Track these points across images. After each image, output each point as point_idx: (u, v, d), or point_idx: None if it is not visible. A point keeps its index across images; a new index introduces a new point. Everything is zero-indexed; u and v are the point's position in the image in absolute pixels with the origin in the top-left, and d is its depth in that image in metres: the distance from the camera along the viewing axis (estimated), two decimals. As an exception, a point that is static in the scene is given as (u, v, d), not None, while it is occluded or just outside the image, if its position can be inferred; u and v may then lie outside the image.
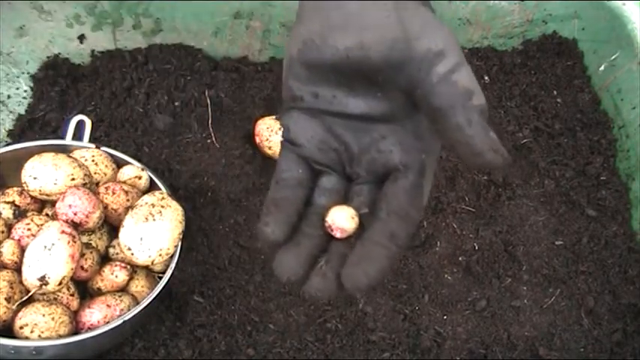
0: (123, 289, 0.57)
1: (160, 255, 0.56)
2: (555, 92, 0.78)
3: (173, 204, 0.57)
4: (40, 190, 0.57)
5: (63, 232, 0.52)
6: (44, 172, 0.57)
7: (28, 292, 0.53)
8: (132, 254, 0.55)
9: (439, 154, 0.44)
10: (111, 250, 0.59)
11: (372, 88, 0.41)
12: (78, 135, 0.65)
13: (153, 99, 0.73)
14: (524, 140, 0.74)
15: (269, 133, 0.69)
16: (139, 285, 0.58)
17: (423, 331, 0.61)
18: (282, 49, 0.79)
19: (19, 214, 0.58)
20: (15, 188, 0.60)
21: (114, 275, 0.56)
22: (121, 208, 0.59)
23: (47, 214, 0.59)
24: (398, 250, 0.38)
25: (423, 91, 0.38)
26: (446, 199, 0.69)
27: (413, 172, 0.41)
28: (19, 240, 0.55)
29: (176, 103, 0.73)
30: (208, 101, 0.74)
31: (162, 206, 0.57)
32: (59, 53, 0.76)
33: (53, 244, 0.52)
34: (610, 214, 0.69)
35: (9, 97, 0.73)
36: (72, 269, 0.53)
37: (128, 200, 0.59)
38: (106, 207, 0.58)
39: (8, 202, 0.58)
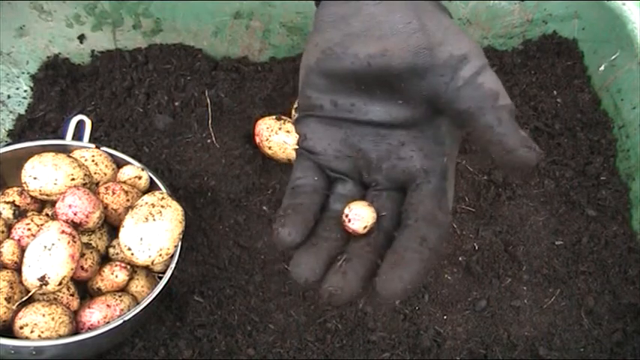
0: (123, 289, 0.57)
1: (160, 255, 0.56)
2: (555, 92, 0.78)
3: (173, 204, 0.57)
4: (40, 190, 0.57)
5: (63, 232, 0.52)
6: (44, 172, 0.57)
7: (28, 292, 0.53)
8: (132, 254, 0.55)
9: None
10: (111, 250, 0.59)
11: (392, 96, 0.41)
12: (78, 135, 0.65)
13: (153, 99, 0.74)
14: (524, 140, 0.74)
15: (269, 133, 0.69)
16: (139, 285, 0.58)
17: (423, 331, 0.61)
18: (282, 49, 0.79)
19: (19, 214, 0.58)
20: (15, 188, 0.60)
21: (114, 275, 0.56)
22: (121, 208, 0.59)
23: (47, 214, 0.59)
24: (431, 254, 0.37)
25: (448, 95, 0.38)
26: (446, 199, 0.69)
27: (435, 176, 0.41)
28: (19, 240, 0.55)
29: (176, 103, 0.73)
30: (208, 101, 0.74)
31: (162, 206, 0.57)
32: (59, 53, 0.76)
33: (53, 244, 0.52)
34: (610, 214, 0.69)
35: (9, 97, 0.73)
36: (72, 269, 0.53)
37: (128, 200, 0.59)
38: (106, 207, 0.58)
39: (8, 202, 0.58)
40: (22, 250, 0.54)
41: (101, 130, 0.71)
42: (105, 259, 0.59)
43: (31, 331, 0.51)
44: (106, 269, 0.56)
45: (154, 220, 0.56)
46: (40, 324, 0.51)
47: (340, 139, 0.43)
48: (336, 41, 0.41)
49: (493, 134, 0.37)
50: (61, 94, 0.73)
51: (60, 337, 0.52)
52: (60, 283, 0.52)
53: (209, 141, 0.71)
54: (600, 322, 0.63)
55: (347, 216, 0.40)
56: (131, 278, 0.57)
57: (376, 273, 0.37)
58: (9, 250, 0.54)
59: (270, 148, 0.69)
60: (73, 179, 0.57)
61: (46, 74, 0.74)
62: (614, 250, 0.67)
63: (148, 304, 0.54)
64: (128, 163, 0.63)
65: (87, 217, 0.55)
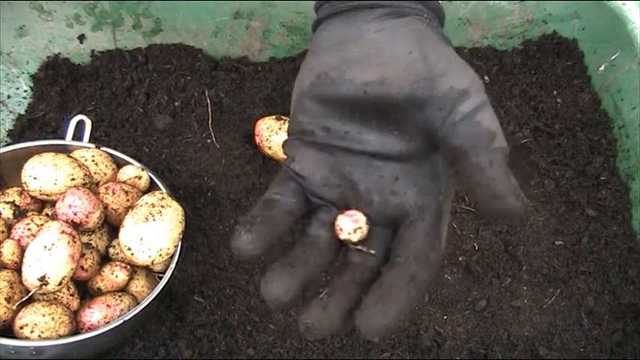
0: (123, 289, 0.57)
1: (160, 255, 0.56)
2: (555, 92, 0.78)
3: (173, 204, 0.57)
4: (40, 190, 0.57)
5: (63, 232, 0.52)
6: (44, 172, 0.57)
7: (28, 292, 0.53)
8: (132, 254, 0.55)
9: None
10: (111, 250, 0.59)
11: (388, 126, 0.39)
12: (78, 135, 0.65)
13: (153, 99, 0.74)
14: (524, 140, 0.74)
15: (269, 133, 0.69)
16: (139, 285, 0.58)
17: (423, 331, 0.61)
18: (282, 49, 0.79)
19: (19, 214, 0.58)
20: (15, 188, 0.60)
21: (114, 275, 0.56)
22: (121, 208, 0.59)
23: (47, 214, 0.59)
24: (418, 295, 0.36)
25: (444, 129, 0.37)
26: (446, 199, 0.69)
27: (430, 214, 0.39)
28: (19, 240, 0.55)
29: (176, 103, 0.73)
30: (208, 101, 0.74)
31: (162, 206, 0.57)
32: (59, 53, 0.76)
33: (53, 244, 0.52)
34: (610, 214, 0.69)
35: (9, 97, 0.73)
36: (72, 269, 0.53)
37: (128, 200, 0.59)
38: (106, 207, 0.58)
39: (8, 202, 0.58)
40: (22, 250, 0.54)
41: (101, 130, 0.71)
42: (105, 259, 0.59)
43: (31, 331, 0.51)
44: (106, 269, 0.56)
45: (154, 220, 0.56)
46: (40, 324, 0.51)
47: (330, 166, 0.41)
48: (333, 66, 0.39)
49: (483, 176, 0.35)
50: (61, 94, 0.73)
51: (60, 337, 0.52)
52: (60, 283, 0.52)
53: (209, 141, 0.71)
54: (600, 322, 0.63)
55: (339, 226, 0.39)
56: (131, 278, 0.58)
57: (356, 313, 0.35)
58: (9, 250, 0.54)
59: (270, 148, 0.69)
60: (73, 179, 0.57)
61: (46, 74, 0.74)
62: (614, 250, 0.67)
63: (148, 304, 0.54)
64: (128, 163, 0.63)
65: (87, 217, 0.55)
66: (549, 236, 0.68)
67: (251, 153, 0.71)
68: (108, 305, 0.54)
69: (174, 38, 0.78)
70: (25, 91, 0.74)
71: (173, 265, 0.57)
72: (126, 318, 0.53)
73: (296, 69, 0.77)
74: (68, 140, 0.64)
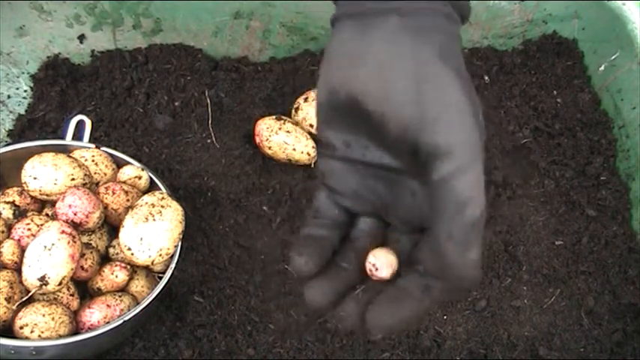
0: (123, 289, 0.57)
1: (160, 255, 0.56)
2: (555, 92, 0.78)
3: (173, 204, 0.57)
4: (40, 190, 0.57)
5: (63, 232, 0.52)
6: (44, 172, 0.57)
7: (28, 292, 0.53)
8: (132, 254, 0.55)
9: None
10: (111, 250, 0.59)
11: (396, 146, 0.39)
12: (78, 135, 0.65)
13: (153, 99, 0.74)
14: (524, 140, 0.74)
15: (269, 133, 0.69)
16: (139, 285, 0.58)
17: (423, 331, 0.61)
18: (282, 49, 0.79)
19: (19, 214, 0.58)
20: (15, 188, 0.60)
21: (114, 275, 0.56)
22: (121, 208, 0.59)
23: (47, 214, 0.59)
24: (430, 304, 0.37)
25: (427, 184, 0.37)
26: (446, 199, 0.69)
27: None
28: (19, 240, 0.55)
29: (176, 103, 0.73)
30: (208, 101, 0.74)
31: (162, 206, 0.57)
32: (59, 53, 0.76)
33: (53, 244, 0.52)
34: (610, 214, 0.69)
35: (9, 97, 0.73)
36: (72, 269, 0.53)
37: (128, 200, 0.59)
38: (106, 207, 0.58)
39: (8, 202, 0.58)
40: (22, 250, 0.54)
41: (101, 130, 0.71)
42: (105, 259, 0.59)
43: (31, 331, 0.51)
44: (106, 269, 0.56)
45: (154, 220, 0.56)
46: (40, 324, 0.51)
47: (357, 181, 0.42)
48: (341, 83, 0.39)
49: (439, 246, 0.35)
50: (61, 94, 0.73)
51: (60, 337, 0.52)
52: (60, 283, 0.52)
53: (209, 141, 0.71)
54: (600, 322, 0.63)
55: (374, 265, 0.40)
56: (131, 278, 0.57)
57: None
58: (9, 250, 0.54)
59: (270, 148, 0.69)
60: (73, 179, 0.57)
61: (46, 74, 0.74)
62: (614, 250, 0.67)
63: (148, 304, 0.54)
64: (128, 163, 0.63)
65: (87, 217, 0.55)
66: (549, 236, 0.68)
67: (251, 153, 0.71)
68: (108, 305, 0.54)
69: (174, 38, 0.78)
70: (25, 91, 0.74)
71: (173, 265, 0.57)
72: (126, 318, 0.53)
73: (296, 69, 0.78)
74: (68, 140, 0.64)
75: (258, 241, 0.66)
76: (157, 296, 0.55)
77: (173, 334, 0.60)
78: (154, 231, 0.55)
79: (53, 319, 0.52)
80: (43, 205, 0.60)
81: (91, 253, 0.56)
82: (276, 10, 0.76)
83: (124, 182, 0.61)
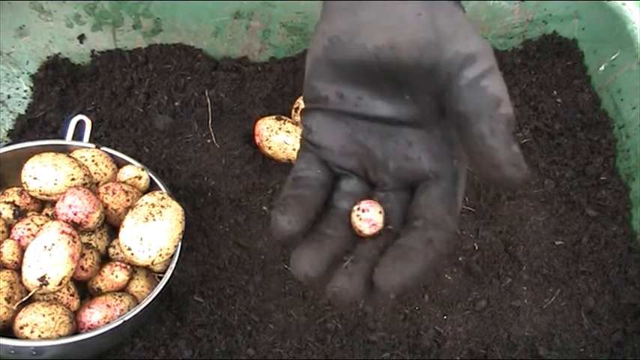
0: (123, 289, 0.57)
1: (160, 255, 0.56)
2: (555, 92, 0.78)
3: (173, 204, 0.57)
4: (40, 190, 0.57)
5: (63, 232, 0.52)
6: (44, 172, 0.57)
7: (28, 292, 0.53)
8: (132, 254, 0.55)
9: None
10: (111, 250, 0.59)
11: (400, 91, 0.39)
12: (78, 135, 0.65)
13: (153, 99, 0.74)
14: (524, 140, 0.74)
15: (269, 133, 0.69)
16: (139, 285, 0.58)
17: (423, 331, 0.61)
18: (282, 49, 0.79)
19: (19, 214, 0.58)
20: (15, 188, 0.60)
21: (114, 275, 0.56)
22: (121, 208, 0.59)
23: (47, 214, 0.59)
24: (435, 256, 0.36)
25: (450, 95, 0.37)
26: (446, 199, 0.69)
27: (445, 179, 0.40)
28: (19, 240, 0.55)
29: (176, 103, 0.73)
30: (208, 101, 0.74)
31: (162, 206, 0.57)
32: (59, 53, 0.76)
33: (53, 244, 0.52)
34: (610, 214, 0.69)
35: (9, 97, 0.73)
36: (72, 269, 0.53)
37: (128, 200, 0.59)
38: (106, 207, 0.58)
39: (8, 202, 0.58)
40: (22, 250, 0.54)
41: (101, 130, 0.71)
42: (105, 259, 0.59)
43: (31, 331, 0.51)
44: (106, 269, 0.56)
45: (154, 220, 0.56)
46: (40, 324, 0.51)
47: (346, 134, 0.41)
48: (344, 30, 0.39)
49: (483, 145, 0.35)
50: (61, 94, 0.73)
51: (60, 337, 0.52)
52: (60, 283, 0.52)
53: (209, 141, 0.71)
54: (600, 322, 0.63)
55: (358, 216, 0.39)
56: (131, 278, 0.57)
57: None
58: (9, 250, 0.54)
59: (270, 148, 0.69)
60: (73, 179, 0.57)
61: (46, 74, 0.74)
62: (614, 250, 0.67)
63: (148, 304, 0.54)
64: (128, 163, 0.63)
65: (87, 217, 0.55)
66: (549, 236, 0.68)
67: (251, 153, 0.71)
68: (108, 305, 0.54)
69: (174, 38, 0.78)
70: (25, 91, 0.74)
71: (173, 265, 0.57)
72: (126, 318, 0.53)
73: (296, 69, 0.78)
74: (68, 140, 0.64)
75: (258, 241, 0.66)
76: (157, 296, 0.55)
77: (173, 334, 0.60)
78: (154, 231, 0.55)
79: (53, 319, 0.52)
80: (43, 205, 0.60)
81: (91, 253, 0.56)
82: (276, 10, 0.76)
83: (124, 182, 0.61)
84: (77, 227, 0.55)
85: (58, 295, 0.54)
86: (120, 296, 0.55)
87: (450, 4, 0.39)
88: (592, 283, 0.65)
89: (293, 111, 0.72)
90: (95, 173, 0.61)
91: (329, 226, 0.40)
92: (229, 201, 0.68)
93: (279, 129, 0.68)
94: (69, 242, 0.52)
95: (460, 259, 0.66)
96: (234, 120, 0.73)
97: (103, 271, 0.56)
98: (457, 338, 0.61)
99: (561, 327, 0.63)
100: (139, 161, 0.63)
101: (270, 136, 0.69)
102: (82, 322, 0.54)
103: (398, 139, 0.41)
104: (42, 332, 0.51)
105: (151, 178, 0.63)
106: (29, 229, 0.55)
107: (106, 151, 0.63)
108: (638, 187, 0.69)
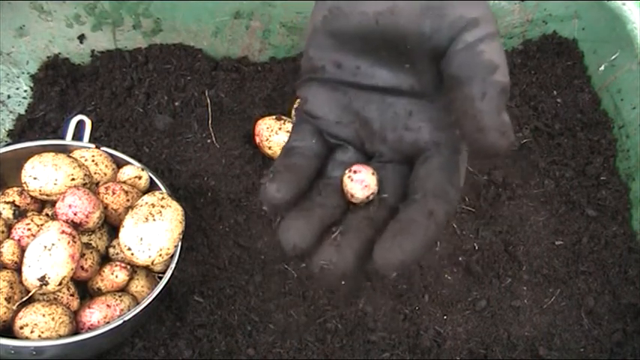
0: (123, 289, 0.57)
1: (160, 255, 0.56)
2: (555, 92, 0.78)
3: (173, 204, 0.57)
4: (40, 190, 0.57)
5: (63, 232, 0.52)
6: (44, 172, 0.57)
7: (28, 292, 0.53)
8: (132, 254, 0.55)
9: None
10: (111, 250, 0.59)
11: (400, 59, 0.38)
12: (78, 135, 0.65)
13: (153, 99, 0.74)
14: (524, 140, 0.74)
15: (269, 133, 0.69)
16: (139, 285, 0.58)
17: (423, 331, 0.61)
18: (282, 49, 0.79)
19: (19, 214, 0.58)
20: (15, 188, 0.60)
21: (114, 275, 0.56)
22: (121, 208, 0.59)
23: (47, 214, 0.59)
24: (436, 229, 0.35)
25: (446, 58, 0.36)
26: (446, 199, 0.69)
27: (447, 149, 0.38)
28: (19, 240, 0.55)
29: (176, 103, 0.73)
30: (208, 101, 0.74)
31: (162, 206, 0.57)
32: (59, 53, 0.76)
33: (53, 244, 0.52)
34: (610, 214, 0.69)
35: (9, 97, 0.73)
36: (72, 269, 0.53)
37: (128, 200, 0.59)
38: (106, 207, 0.58)
39: (8, 202, 0.58)
40: (22, 250, 0.54)
41: (101, 130, 0.71)
42: (105, 259, 0.59)
43: (31, 331, 0.51)
44: (106, 269, 0.56)
45: (154, 220, 0.56)
46: (40, 324, 0.51)
47: (343, 104, 0.40)
48: None
49: (471, 108, 0.34)
50: (61, 94, 0.73)
51: (60, 337, 0.52)
52: (60, 283, 0.52)
53: (209, 141, 0.71)
54: (600, 322, 0.63)
55: (350, 178, 0.37)
56: (131, 278, 0.58)
57: (373, 248, 0.34)
58: (9, 250, 0.54)
59: (270, 148, 0.69)
60: (73, 179, 0.57)
61: (46, 74, 0.74)
62: (614, 250, 0.67)
63: (148, 304, 0.54)
64: (128, 163, 0.63)
65: (87, 217, 0.55)
66: (549, 236, 0.68)
67: (251, 153, 0.71)
68: (108, 305, 0.54)
69: (174, 38, 0.78)
70: (25, 91, 0.74)
71: (173, 265, 0.57)
72: (126, 318, 0.53)
73: (296, 69, 0.78)
74: (68, 140, 0.64)
75: (258, 241, 0.66)
76: (157, 296, 0.55)
77: (173, 334, 0.60)
78: (154, 231, 0.55)
79: (53, 319, 0.52)
80: (43, 205, 0.60)
81: (91, 253, 0.56)
82: (276, 10, 0.76)
83: (124, 182, 0.61)
84: (77, 227, 0.55)
85: (58, 295, 0.54)
86: (120, 296, 0.55)
87: None
88: (592, 283, 0.65)
89: (293, 111, 0.73)
90: (95, 173, 0.61)
91: (319, 195, 0.38)
92: (229, 201, 0.68)
93: (279, 129, 0.68)
94: (69, 242, 0.52)
95: (460, 259, 0.66)
96: (234, 120, 0.73)
97: (103, 271, 0.56)
98: (457, 338, 0.61)
99: (561, 327, 0.63)
100: (139, 161, 0.63)
101: (270, 136, 0.69)
102: (82, 322, 0.54)
103: (398, 108, 0.40)
104: (42, 332, 0.51)
105: (151, 178, 0.63)
106: (29, 229, 0.55)
107: (106, 151, 0.63)
108: (638, 187, 0.69)
